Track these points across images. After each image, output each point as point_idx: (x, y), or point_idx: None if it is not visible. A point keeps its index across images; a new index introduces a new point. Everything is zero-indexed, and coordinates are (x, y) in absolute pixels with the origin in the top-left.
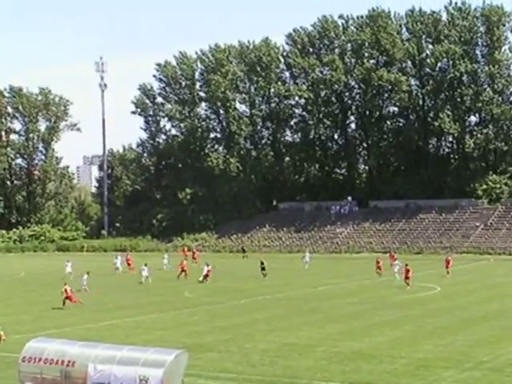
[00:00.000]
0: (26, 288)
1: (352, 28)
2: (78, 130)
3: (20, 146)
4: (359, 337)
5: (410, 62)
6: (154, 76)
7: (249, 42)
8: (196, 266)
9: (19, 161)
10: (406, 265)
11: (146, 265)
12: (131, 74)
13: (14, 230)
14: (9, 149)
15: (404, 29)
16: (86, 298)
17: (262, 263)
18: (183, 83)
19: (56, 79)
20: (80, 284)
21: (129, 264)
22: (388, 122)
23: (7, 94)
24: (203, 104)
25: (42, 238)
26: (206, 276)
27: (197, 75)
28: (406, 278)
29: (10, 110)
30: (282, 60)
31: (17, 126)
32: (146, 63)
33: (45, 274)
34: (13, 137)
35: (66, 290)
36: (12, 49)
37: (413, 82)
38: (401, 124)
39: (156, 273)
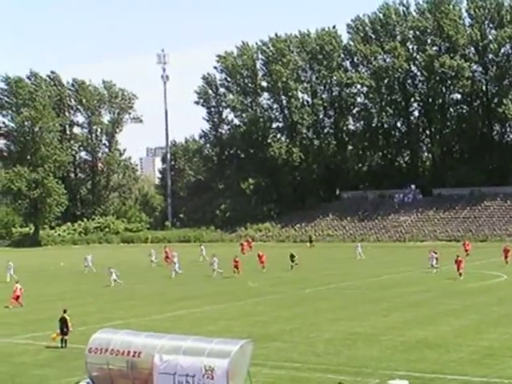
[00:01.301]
0: (91, 279)
1: (414, 14)
2: (141, 121)
3: (83, 139)
4: (424, 325)
5: (472, 48)
6: (215, 67)
7: (309, 31)
8: (250, 255)
9: (83, 154)
10: (458, 256)
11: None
12: (193, 65)
13: (79, 222)
14: (72, 142)
15: (466, 14)
16: (149, 289)
17: (293, 256)
18: (244, 73)
19: (118, 71)
20: (109, 279)
21: (167, 257)
22: (451, 109)
23: (70, 88)
24: (265, 94)
25: (107, 229)
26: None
27: (258, 65)
28: (458, 268)
29: (73, 103)
30: (343, 48)
31: (80, 119)
32: (208, 54)
33: (110, 266)
34: (76, 130)
35: (16, 289)
36: (75, 43)
37: (476, 68)
38: (464, 111)
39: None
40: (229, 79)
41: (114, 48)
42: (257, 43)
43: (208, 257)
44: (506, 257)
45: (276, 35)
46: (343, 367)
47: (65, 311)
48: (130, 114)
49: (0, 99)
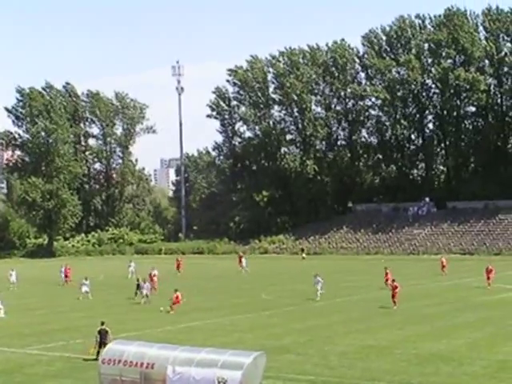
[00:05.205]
0: (105, 291)
1: (429, 27)
2: (154, 131)
3: (98, 151)
4: (438, 338)
5: (487, 61)
6: (228, 81)
7: (317, 44)
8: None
9: (97, 165)
10: (393, 280)
11: (86, 279)
12: (207, 79)
13: (93, 233)
14: (87, 153)
15: (481, 27)
16: (162, 301)
17: (138, 280)
18: (256, 86)
19: (133, 84)
20: (80, 290)
21: (66, 275)
22: (466, 122)
23: (85, 99)
24: (278, 106)
25: (121, 241)
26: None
27: (270, 78)
28: (393, 296)
29: (87, 114)
30: (358, 61)
31: (94, 130)
32: (222, 67)
33: (123, 277)
34: (91, 141)
35: None
36: (90, 56)
37: (491, 81)
38: (479, 124)
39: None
40: (241, 92)
41: (128, 61)
42: (266, 57)
43: (135, 274)
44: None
45: (288, 48)
46: (357, 380)
47: (102, 323)
48: (142, 124)
49: (15, 110)
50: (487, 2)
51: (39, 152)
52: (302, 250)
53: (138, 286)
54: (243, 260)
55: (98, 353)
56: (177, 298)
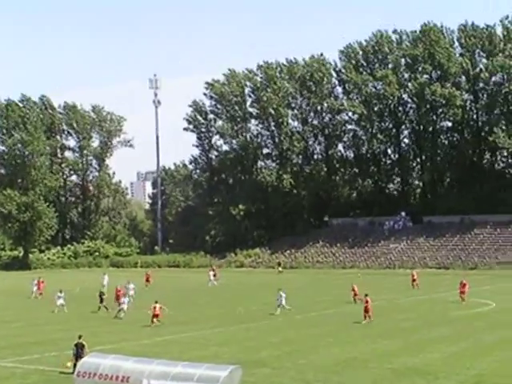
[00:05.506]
0: (81, 303)
1: (406, 43)
2: (131, 146)
3: (74, 163)
4: (414, 352)
5: (463, 77)
6: (205, 94)
7: (295, 58)
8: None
9: (74, 177)
10: (366, 295)
11: (61, 291)
12: (185, 92)
13: (69, 245)
14: (63, 165)
15: (457, 43)
16: (138, 314)
17: (102, 294)
18: (233, 100)
19: (110, 96)
20: (55, 303)
21: (38, 288)
22: (442, 137)
23: (61, 111)
24: (255, 120)
25: (97, 253)
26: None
27: (247, 92)
28: (365, 310)
29: (64, 126)
30: (335, 75)
31: (71, 142)
32: (198, 80)
33: (99, 290)
34: (67, 154)
35: None
36: (67, 67)
37: (467, 96)
38: (455, 139)
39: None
40: (218, 106)
41: (106, 74)
42: (243, 71)
43: (107, 287)
44: (462, 292)
45: (265, 62)
46: None
47: (80, 337)
48: (119, 136)
49: None
50: (463, 18)
51: (15, 164)
52: (279, 263)
53: (102, 300)
54: (210, 273)
55: (75, 366)
56: (154, 309)
